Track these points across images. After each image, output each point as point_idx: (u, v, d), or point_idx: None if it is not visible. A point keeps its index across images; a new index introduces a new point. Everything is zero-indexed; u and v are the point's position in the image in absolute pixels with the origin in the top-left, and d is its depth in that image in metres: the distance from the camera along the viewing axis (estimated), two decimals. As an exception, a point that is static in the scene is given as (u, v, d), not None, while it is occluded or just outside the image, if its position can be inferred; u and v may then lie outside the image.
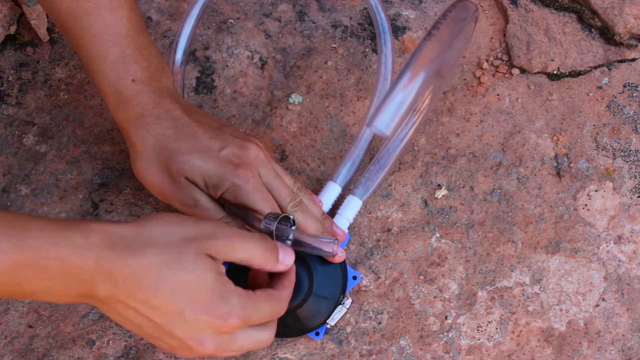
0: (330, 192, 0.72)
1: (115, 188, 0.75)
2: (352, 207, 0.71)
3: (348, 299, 0.71)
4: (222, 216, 0.65)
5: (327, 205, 0.72)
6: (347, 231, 0.71)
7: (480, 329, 0.72)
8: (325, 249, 0.62)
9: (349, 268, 0.71)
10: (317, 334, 0.69)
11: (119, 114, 0.65)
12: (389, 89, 0.59)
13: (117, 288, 0.51)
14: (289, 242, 0.61)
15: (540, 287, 0.72)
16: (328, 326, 0.70)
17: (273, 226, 0.61)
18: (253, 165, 0.64)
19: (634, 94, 0.78)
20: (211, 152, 0.64)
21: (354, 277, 0.70)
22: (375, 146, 0.76)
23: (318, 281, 0.67)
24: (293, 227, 0.63)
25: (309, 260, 0.67)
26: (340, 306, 0.70)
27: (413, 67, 0.58)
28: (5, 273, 0.49)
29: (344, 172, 0.73)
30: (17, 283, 0.50)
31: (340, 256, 0.67)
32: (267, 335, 0.59)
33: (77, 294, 0.52)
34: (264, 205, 0.64)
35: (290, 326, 0.68)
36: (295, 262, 0.61)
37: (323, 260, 0.68)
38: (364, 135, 0.74)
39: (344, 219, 0.71)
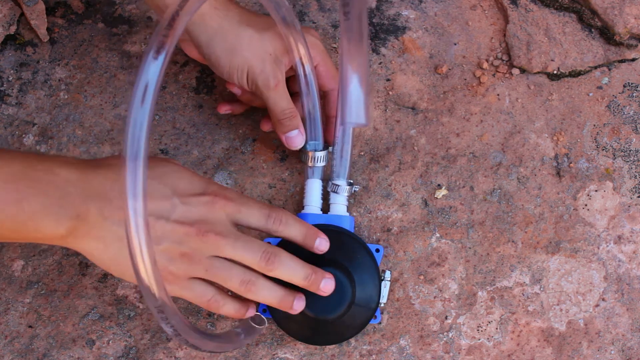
0: (315, 190, 0.72)
1: (115, 188, 0.75)
2: (341, 190, 0.71)
3: (385, 272, 0.70)
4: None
5: (318, 201, 0.72)
6: (347, 214, 0.71)
7: (480, 329, 0.72)
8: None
9: (368, 245, 0.70)
10: (375, 317, 0.69)
11: None
12: (340, 84, 0.58)
13: (108, 201, 0.55)
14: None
15: (540, 287, 0.72)
16: (382, 305, 0.70)
17: None
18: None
19: (634, 94, 0.78)
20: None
21: (377, 250, 0.70)
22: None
23: (360, 285, 0.67)
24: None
25: (348, 266, 0.67)
26: (384, 282, 0.70)
27: (349, 53, 0.57)
28: (3, 186, 0.53)
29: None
30: (17, 200, 0.53)
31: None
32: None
33: (74, 215, 0.54)
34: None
35: (349, 326, 0.68)
36: (335, 269, 0.65)
37: (357, 259, 0.68)
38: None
39: (341, 205, 0.71)
